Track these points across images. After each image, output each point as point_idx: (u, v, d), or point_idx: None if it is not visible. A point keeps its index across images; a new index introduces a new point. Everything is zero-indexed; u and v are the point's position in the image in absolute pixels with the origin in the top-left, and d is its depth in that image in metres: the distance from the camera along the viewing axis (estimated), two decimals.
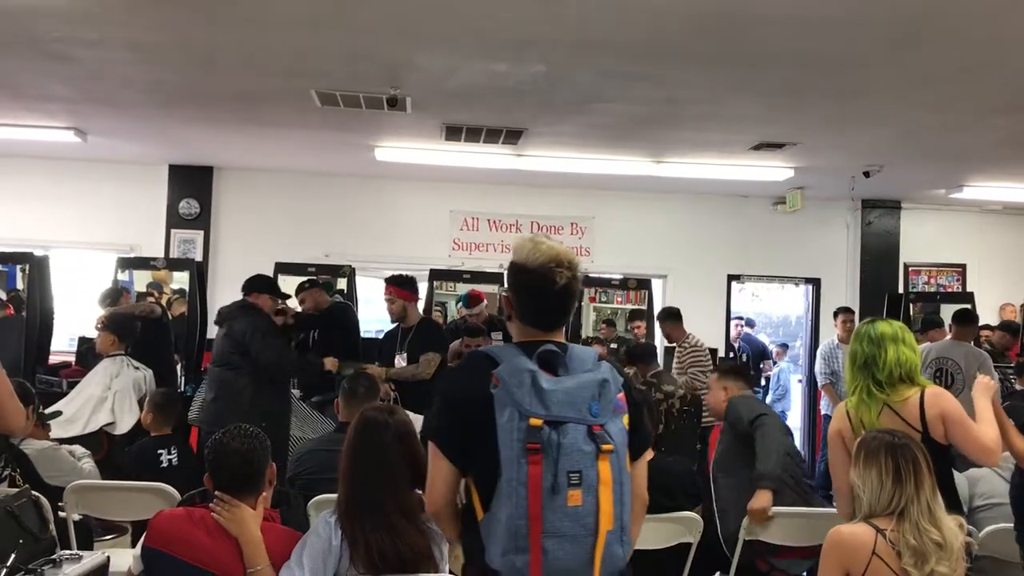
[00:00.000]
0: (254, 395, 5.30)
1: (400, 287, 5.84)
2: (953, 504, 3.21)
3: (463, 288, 8.58)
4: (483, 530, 1.99)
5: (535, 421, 1.92)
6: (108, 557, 2.92)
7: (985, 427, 3.18)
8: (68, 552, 2.87)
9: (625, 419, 2.08)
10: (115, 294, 7.04)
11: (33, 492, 3.21)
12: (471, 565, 2.12)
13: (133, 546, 3.91)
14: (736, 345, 10.10)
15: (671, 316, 7.79)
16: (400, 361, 5.69)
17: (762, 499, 3.81)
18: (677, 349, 7.72)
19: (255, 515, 2.61)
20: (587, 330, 8.89)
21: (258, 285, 5.68)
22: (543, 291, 2.13)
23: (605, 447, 1.97)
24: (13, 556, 2.68)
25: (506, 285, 2.26)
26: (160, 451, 4.50)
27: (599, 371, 2.06)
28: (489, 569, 1.98)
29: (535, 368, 1.99)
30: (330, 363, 5.68)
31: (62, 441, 4.61)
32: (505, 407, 1.94)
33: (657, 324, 8.10)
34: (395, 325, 5.98)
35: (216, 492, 2.67)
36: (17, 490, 3.18)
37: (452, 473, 2.09)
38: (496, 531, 1.94)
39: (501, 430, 1.94)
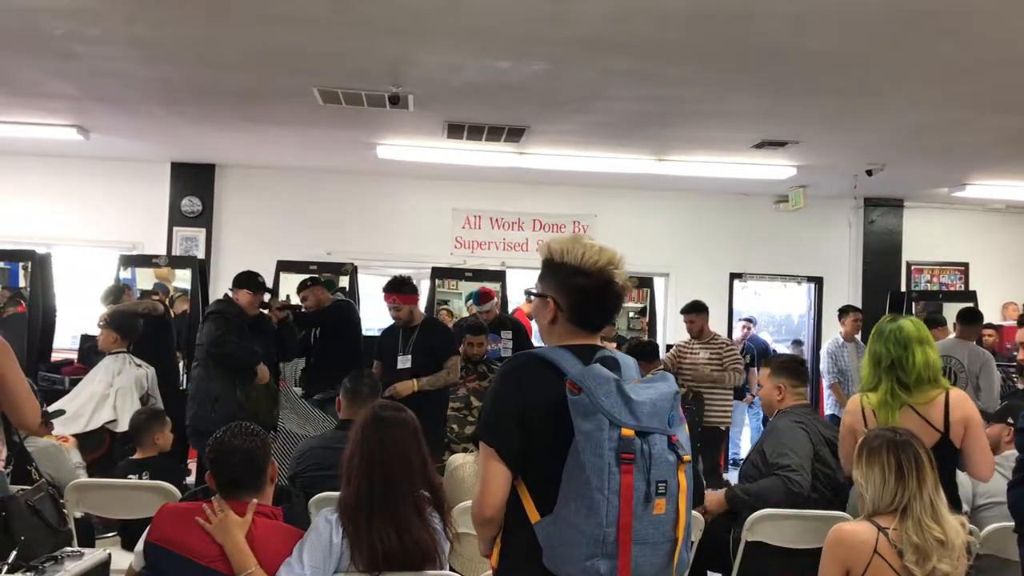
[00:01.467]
0: (220, 393, 5.38)
1: (401, 293, 5.69)
2: (954, 503, 3.22)
3: (465, 286, 8.59)
4: (543, 533, 1.98)
5: (627, 432, 1.92)
6: (109, 554, 2.92)
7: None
8: (70, 549, 2.87)
9: (686, 428, 2.11)
10: (117, 292, 7.04)
11: (50, 487, 3.24)
12: (513, 568, 2.10)
13: (123, 548, 3.92)
14: (742, 346, 10.08)
15: (703, 309, 7.54)
16: (404, 362, 5.56)
17: (714, 498, 3.91)
18: (707, 344, 7.45)
19: (241, 522, 2.60)
20: None
21: (236, 281, 5.74)
22: (603, 293, 2.13)
23: (685, 457, 2.02)
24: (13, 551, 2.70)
25: (542, 287, 2.20)
26: (131, 476, 4.30)
27: (670, 382, 2.09)
28: (545, 572, 1.98)
29: (618, 377, 1.99)
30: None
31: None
32: (591, 414, 1.93)
33: (682, 318, 7.75)
34: (391, 328, 5.85)
35: (205, 501, 2.67)
36: (35, 485, 3.20)
37: (509, 477, 2.06)
38: (571, 536, 1.92)
39: (587, 437, 1.92)
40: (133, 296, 7.57)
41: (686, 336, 7.52)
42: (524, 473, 2.06)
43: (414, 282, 6.04)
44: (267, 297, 5.97)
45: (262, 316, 5.84)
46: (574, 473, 1.93)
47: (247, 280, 5.77)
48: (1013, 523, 3.65)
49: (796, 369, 4.22)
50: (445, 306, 8.68)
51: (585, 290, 2.13)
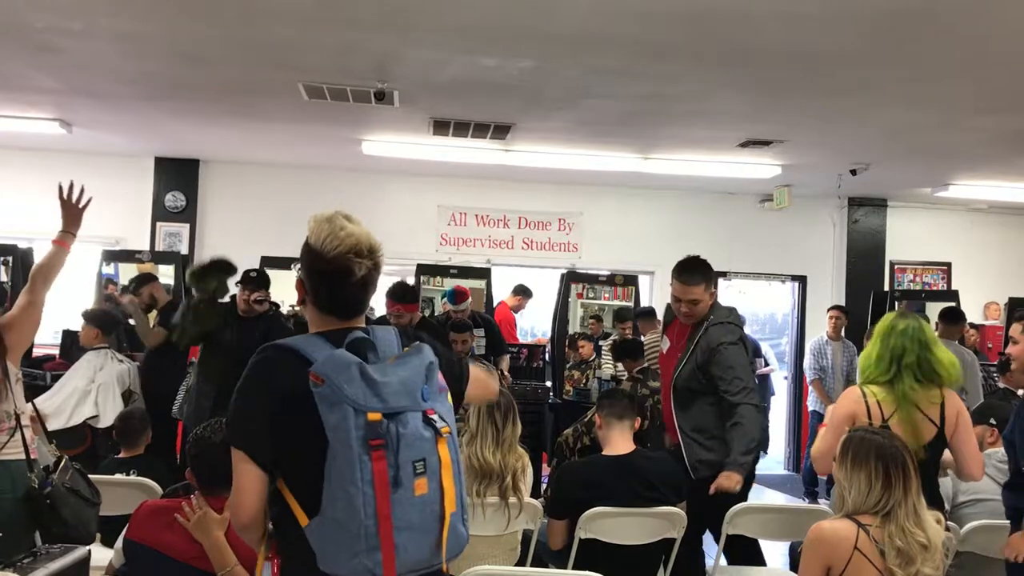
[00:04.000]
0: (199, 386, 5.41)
1: (406, 302, 5.66)
2: (935, 499, 3.25)
3: (450, 283, 8.58)
4: (314, 536, 1.86)
5: (374, 416, 1.83)
6: (89, 551, 2.91)
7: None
8: (48, 546, 2.85)
9: (449, 397, 2.01)
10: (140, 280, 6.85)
11: (74, 463, 3.26)
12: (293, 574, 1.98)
13: (103, 544, 3.90)
14: None
15: (651, 315, 7.80)
16: None
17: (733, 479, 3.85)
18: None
19: (220, 519, 2.58)
20: (574, 326, 8.90)
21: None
22: (341, 283, 2.01)
23: (444, 430, 1.91)
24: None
25: (300, 267, 2.10)
26: (117, 474, 4.29)
27: (423, 354, 1.98)
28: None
29: (358, 360, 1.88)
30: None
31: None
32: (335, 405, 1.83)
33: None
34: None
35: (184, 498, 2.66)
36: (60, 465, 3.22)
37: (264, 481, 1.94)
38: (336, 535, 1.83)
39: (335, 430, 1.82)
40: (116, 290, 7.53)
41: None
42: (285, 475, 1.93)
43: (407, 278, 6.03)
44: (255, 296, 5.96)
45: (251, 312, 5.79)
46: (330, 468, 1.83)
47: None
48: (995, 521, 3.70)
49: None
50: (424, 304, 8.64)
51: (322, 276, 2.02)
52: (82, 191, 3.60)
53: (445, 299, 7.32)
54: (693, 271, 4.17)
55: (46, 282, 3.43)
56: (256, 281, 5.60)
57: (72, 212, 3.57)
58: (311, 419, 1.85)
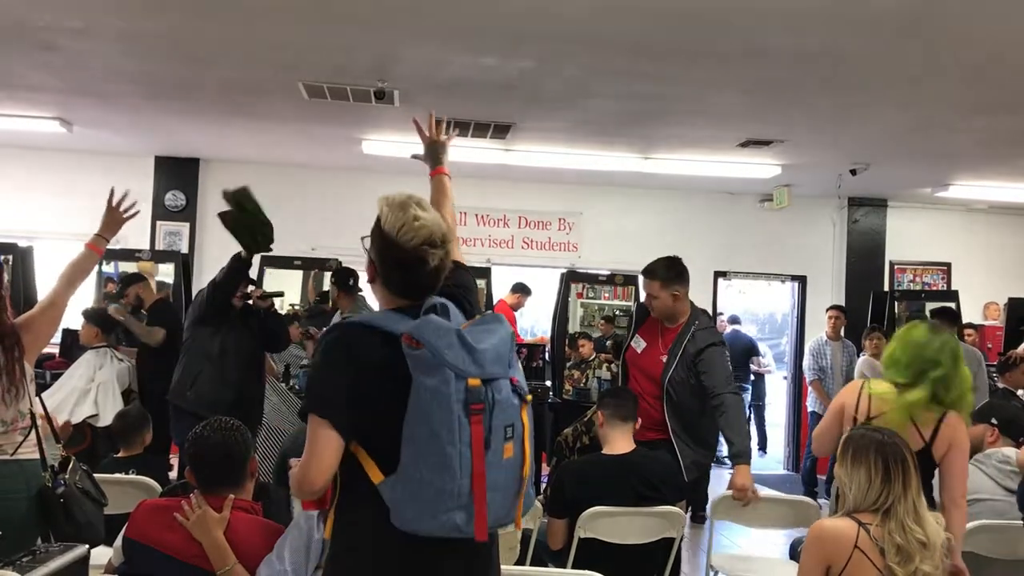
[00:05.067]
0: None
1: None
2: (930, 502, 3.24)
3: None
4: (390, 493, 1.92)
5: (474, 382, 1.90)
6: (88, 549, 2.90)
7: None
8: (47, 545, 2.85)
9: (521, 366, 2.10)
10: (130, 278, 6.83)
11: (81, 464, 3.27)
12: (358, 536, 2.02)
13: (102, 543, 3.89)
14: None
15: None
16: None
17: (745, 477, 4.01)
18: None
19: (219, 518, 2.58)
20: (574, 325, 8.88)
21: None
22: (415, 271, 2.08)
23: (528, 397, 2.03)
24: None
25: (369, 246, 2.19)
26: (116, 474, 4.22)
27: (505, 325, 2.07)
28: (390, 535, 1.92)
29: (457, 327, 1.95)
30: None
31: None
32: (434, 368, 1.88)
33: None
34: None
35: (184, 497, 2.66)
36: (70, 466, 3.22)
37: (341, 447, 1.99)
38: (421, 493, 1.88)
39: (433, 393, 1.88)
40: (115, 289, 7.52)
41: None
42: (362, 439, 2.00)
43: None
44: (251, 288, 5.92)
45: (248, 308, 5.79)
46: (418, 430, 1.88)
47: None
48: (995, 521, 3.70)
49: None
50: None
51: (397, 263, 2.09)
52: (128, 200, 3.59)
53: None
54: (654, 269, 4.42)
55: (71, 285, 3.42)
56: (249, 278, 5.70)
57: (115, 219, 3.58)
58: (393, 384, 1.92)
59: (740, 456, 4.04)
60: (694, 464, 4.19)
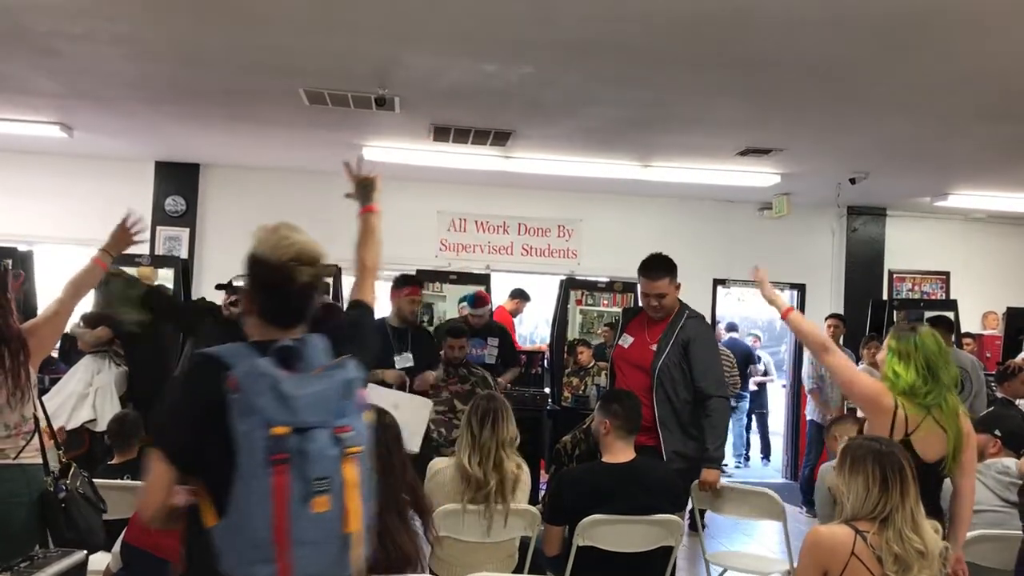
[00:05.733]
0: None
1: (421, 287, 5.84)
2: (936, 510, 3.24)
3: (449, 289, 8.58)
4: (217, 537, 1.89)
5: (280, 430, 1.84)
6: (87, 555, 2.90)
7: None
8: (46, 550, 2.84)
9: (368, 414, 2.02)
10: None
11: (82, 471, 3.28)
12: (196, 571, 2.02)
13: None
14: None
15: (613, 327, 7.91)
16: (405, 360, 5.58)
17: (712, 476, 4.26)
18: None
19: None
20: (573, 332, 8.88)
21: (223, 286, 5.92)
22: (283, 290, 2.05)
23: (351, 450, 1.92)
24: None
25: (245, 279, 2.14)
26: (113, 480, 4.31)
27: (345, 370, 2.00)
28: None
29: (275, 372, 1.90)
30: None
31: None
32: (246, 415, 1.85)
33: None
34: (379, 322, 5.69)
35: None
36: (71, 471, 3.23)
37: (171, 479, 1.97)
38: (235, 541, 1.86)
39: (243, 438, 1.84)
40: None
41: None
42: (201, 475, 1.97)
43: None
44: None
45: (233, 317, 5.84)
46: (236, 475, 1.85)
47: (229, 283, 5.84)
48: (993, 531, 3.70)
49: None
50: (424, 310, 8.58)
51: (265, 282, 2.07)
52: (135, 221, 3.66)
53: (464, 303, 7.30)
54: (656, 267, 4.42)
55: (76, 295, 3.54)
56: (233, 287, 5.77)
57: (124, 238, 3.66)
58: (228, 425, 1.87)
59: (712, 461, 4.24)
60: (676, 454, 4.26)
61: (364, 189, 2.90)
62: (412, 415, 4.97)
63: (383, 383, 5.24)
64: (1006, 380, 6.39)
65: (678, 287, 4.47)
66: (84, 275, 3.54)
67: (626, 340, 4.58)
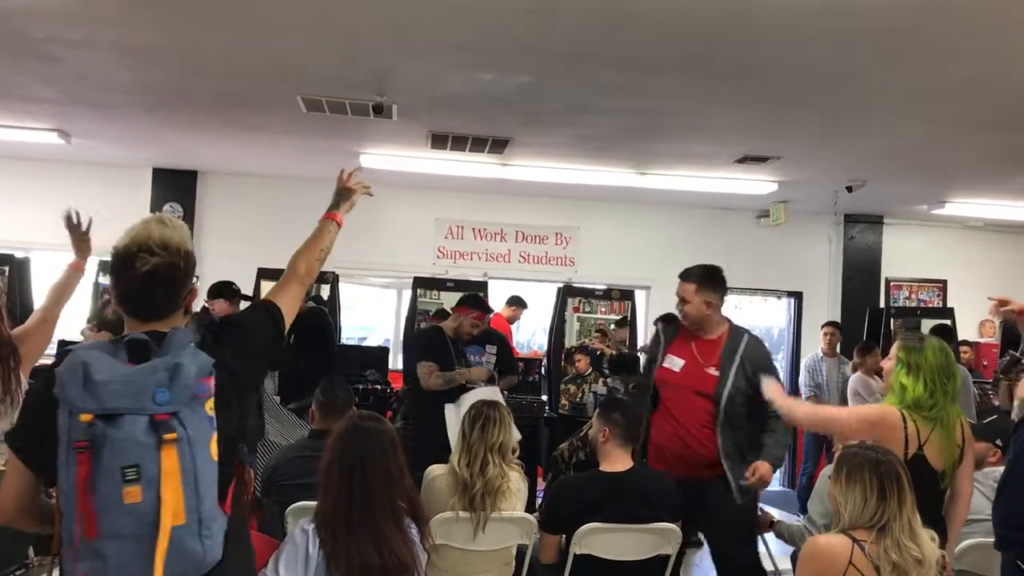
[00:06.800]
0: None
1: (481, 309, 5.79)
2: (937, 520, 3.23)
3: (446, 296, 8.57)
4: (63, 534, 1.85)
5: (84, 417, 1.76)
6: None
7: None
8: (40, 558, 2.84)
9: (210, 403, 1.90)
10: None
11: None
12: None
13: None
14: None
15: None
16: (488, 358, 5.87)
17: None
18: None
19: None
20: (570, 339, 8.88)
21: (211, 292, 5.98)
22: (124, 277, 2.03)
23: (167, 436, 1.79)
24: None
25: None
26: None
27: (176, 356, 1.88)
28: None
29: (89, 359, 1.81)
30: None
31: None
32: (63, 406, 1.80)
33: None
34: (434, 332, 5.74)
35: None
36: None
37: (26, 479, 1.96)
38: (64, 539, 1.82)
39: (60, 429, 1.80)
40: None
41: None
42: (52, 476, 1.89)
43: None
44: (243, 305, 5.97)
45: None
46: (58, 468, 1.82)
47: (223, 289, 5.81)
48: (990, 539, 3.69)
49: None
50: (421, 316, 8.58)
51: (113, 271, 2.05)
52: (79, 214, 3.66)
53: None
54: (690, 271, 4.34)
55: (59, 301, 3.61)
56: (237, 295, 5.89)
57: (79, 237, 3.72)
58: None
59: (775, 458, 4.05)
60: (741, 490, 4.04)
61: (339, 196, 2.93)
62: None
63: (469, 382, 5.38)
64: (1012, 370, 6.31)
65: (709, 304, 4.22)
66: (64, 280, 3.61)
67: (675, 363, 4.24)
